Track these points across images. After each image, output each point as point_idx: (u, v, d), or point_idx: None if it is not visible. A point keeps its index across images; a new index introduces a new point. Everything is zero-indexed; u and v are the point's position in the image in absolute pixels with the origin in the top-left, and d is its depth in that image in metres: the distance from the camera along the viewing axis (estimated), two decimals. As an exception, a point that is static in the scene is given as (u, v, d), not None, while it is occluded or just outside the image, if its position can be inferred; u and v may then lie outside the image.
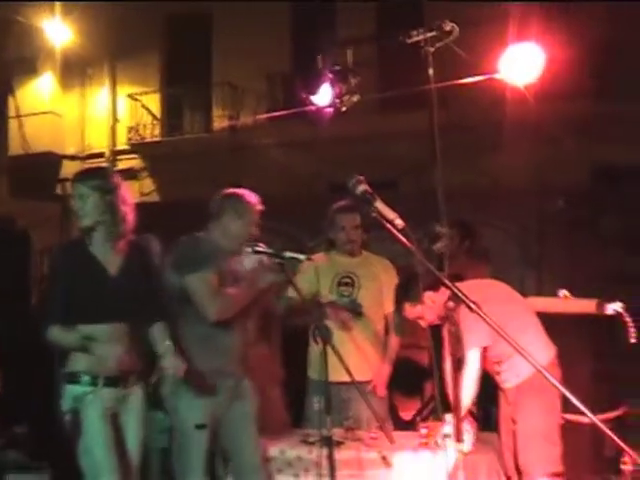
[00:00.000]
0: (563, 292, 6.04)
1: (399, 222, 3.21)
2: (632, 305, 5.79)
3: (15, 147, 17.42)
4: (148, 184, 16.86)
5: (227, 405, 4.76)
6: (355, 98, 5.86)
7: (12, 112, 17.62)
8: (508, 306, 4.93)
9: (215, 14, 16.69)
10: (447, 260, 4.52)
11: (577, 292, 6.05)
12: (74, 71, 17.55)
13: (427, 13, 12.07)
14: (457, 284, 3.39)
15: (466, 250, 6.14)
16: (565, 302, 6.01)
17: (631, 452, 3.46)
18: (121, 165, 17.12)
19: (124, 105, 17.64)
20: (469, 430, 5.17)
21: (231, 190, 4.91)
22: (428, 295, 4.80)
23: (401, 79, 7.05)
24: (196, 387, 4.52)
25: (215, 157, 15.13)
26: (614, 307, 5.70)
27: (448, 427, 4.42)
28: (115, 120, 17.78)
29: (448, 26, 4.96)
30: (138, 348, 4.36)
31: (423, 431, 5.01)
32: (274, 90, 15.51)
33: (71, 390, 4.22)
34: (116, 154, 17.61)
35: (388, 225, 3.21)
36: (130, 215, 4.32)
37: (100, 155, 17.40)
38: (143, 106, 17.33)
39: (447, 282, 3.19)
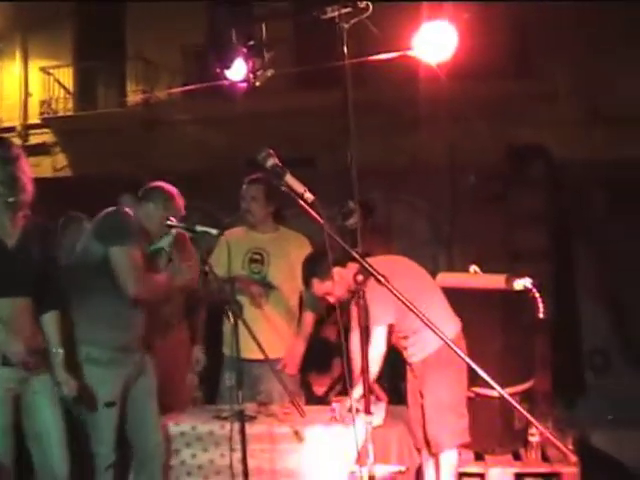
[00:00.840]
0: (473, 268, 6.14)
1: (309, 196, 3.20)
2: (539, 281, 5.92)
3: None
4: (61, 159, 16.59)
5: (134, 380, 4.74)
6: (269, 73, 5.85)
7: None
8: (414, 281, 4.98)
9: (129, -13, 16.45)
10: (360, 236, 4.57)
11: (487, 268, 6.16)
12: (-16, 45, 17.15)
13: (343, -10, 12.03)
14: (365, 259, 3.40)
15: (369, 228, 6.17)
16: (475, 278, 6.11)
17: (538, 424, 3.54)
18: (33, 140, 16.82)
19: (36, 79, 17.29)
20: (379, 405, 5.24)
21: (163, 184, 4.86)
22: (337, 271, 4.79)
23: (317, 56, 7.04)
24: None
25: (129, 132, 14.96)
26: (523, 283, 5.81)
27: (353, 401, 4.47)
28: (27, 94, 17.42)
29: (363, 3, 4.97)
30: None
31: (334, 405, 5.04)
32: (189, 65, 15.36)
33: None
34: (28, 128, 17.27)
35: (298, 199, 3.21)
36: (29, 186, 4.21)
37: (11, 129, 17.02)
38: (56, 80, 17.02)
39: (356, 256, 3.21)
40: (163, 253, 4.82)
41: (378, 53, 6.35)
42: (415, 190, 7.15)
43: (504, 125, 6.84)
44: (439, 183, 7.11)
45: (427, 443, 5.10)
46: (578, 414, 6.71)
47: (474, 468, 5.59)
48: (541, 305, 5.92)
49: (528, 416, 3.30)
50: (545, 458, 5.61)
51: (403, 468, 4.92)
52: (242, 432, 4.14)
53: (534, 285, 5.89)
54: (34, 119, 17.26)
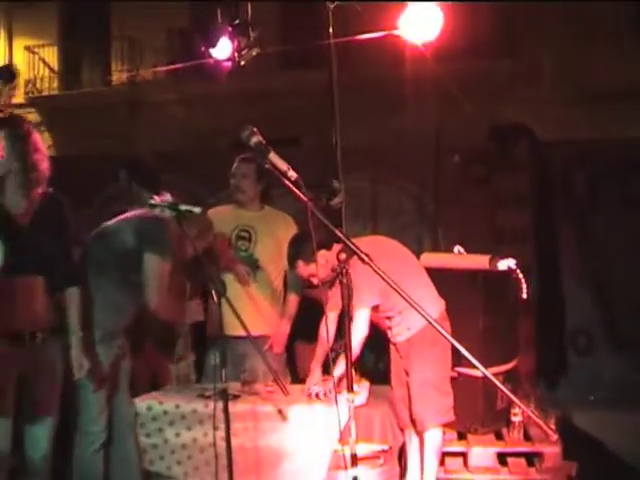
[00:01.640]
0: (458, 248, 6.16)
1: (292, 174, 3.20)
2: (523, 262, 5.95)
3: None
4: (45, 138, 16.49)
5: (117, 361, 4.79)
6: (254, 52, 5.83)
7: None
8: (399, 262, 4.98)
9: (114, -33, 16.32)
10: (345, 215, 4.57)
11: (471, 249, 6.17)
12: (-31, 23, 17.02)
13: (329, -30, 11.98)
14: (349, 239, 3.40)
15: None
16: (459, 258, 6.13)
17: (521, 404, 3.56)
18: (17, 119, 16.69)
19: (21, 58, 17.17)
20: (363, 384, 5.26)
21: None
22: (322, 254, 4.80)
23: (302, 35, 7.03)
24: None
25: (114, 112, 14.89)
26: (506, 263, 5.84)
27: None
28: (11, 73, 17.28)
29: (348, -17, 4.95)
30: (51, 303, 4.24)
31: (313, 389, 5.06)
32: (173, 45, 15.28)
33: None
34: (10, 107, 17.14)
35: (282, 177, 3.20)
36: (43, 164, 4.20)
37: (-7, 109, 16.91)
38: (40, 59, 16.92)
39: (340, 235, 3.21)
40: None
41: (363, 33, 6.33)
42: (400, 170, 7.15)
43: (489, 105, 6.83)
44: (424, 164, 7.11)
45: (412, 422, 5.12)
46: (560, 394, 6.75)
47: (456, 447, 5.63)
48: (524, 286, 5.96)
49: (511, 396, 3.33)
50: (527, 438, 5.65)
51: (386, 447, 4.95)
52: (225, 411, 4.15)
53: (518, 266, 5.92)
54: (19, 98, 17.16)
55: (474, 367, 3.11)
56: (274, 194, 6.04)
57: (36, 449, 4.27)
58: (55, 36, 17.18)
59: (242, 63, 5.92)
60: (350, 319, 3.57)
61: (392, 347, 5.21)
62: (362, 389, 5.17)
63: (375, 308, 4.93)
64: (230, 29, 5.90)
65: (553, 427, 5.52)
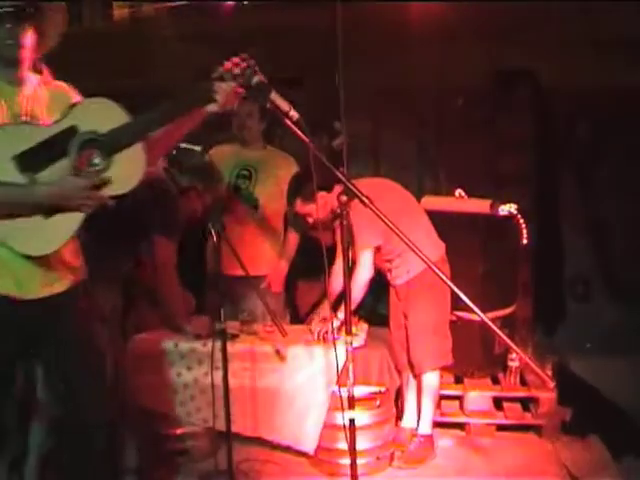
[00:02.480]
0: (459, 191, 6.13)
1: (294, 114, 3.15)
2: (522, 207, 5.92)
3: None
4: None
5: None
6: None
7: None
8: (399, 204, 4.96)
9: None
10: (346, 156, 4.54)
11: (472, 192, 6.14)
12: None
13: None
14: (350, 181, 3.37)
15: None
16: (460, 202, 6.10)
17: (517, 349, 3.56)
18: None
19: (19, -9, 16.93)
20: (361, 326, 5.27)
21: None
22: (321, 195, 4.78)
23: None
24: None
25: (115, 48, 14.70)
26: (507, 208, 5.81)
27: (336, 321, 4.50)
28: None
29: None
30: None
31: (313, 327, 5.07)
32: (175, -20, 15.03)
33: None
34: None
35: (283, 117, 3.16)
36: None
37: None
38: (40, -6, 16.68)
39: (341, 176, 3.18)
40: None
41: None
42: (402, 112, 7.07)
43: (494, 48, 6.73)
44: (427, 105, 7.04)
45: (410, 365, 5.14)
46: (557, 341, 6.76)
47: (453, 391, 5.67)
48: (525, 231, 5.93)
49: (508, 341, 3.32)
50: (523, 383, 5.68)
51: (383, 389, 4.97)
52: (223, 350, 4.16)
53: (519, 211, 5.89)
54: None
55: (472, 311, 3.10)
56: (277, 133, 6.00)
57: None
58: (55, -29, 16.93)
59: (245, 2, 5.84)
60: (348, 261, 3.55)
61: (391, 290, 5.21)
62: (360, 331, 5.18)
63: (377, 250, 4.92)
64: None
65: (549, 373, 5.56)
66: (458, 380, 5.80)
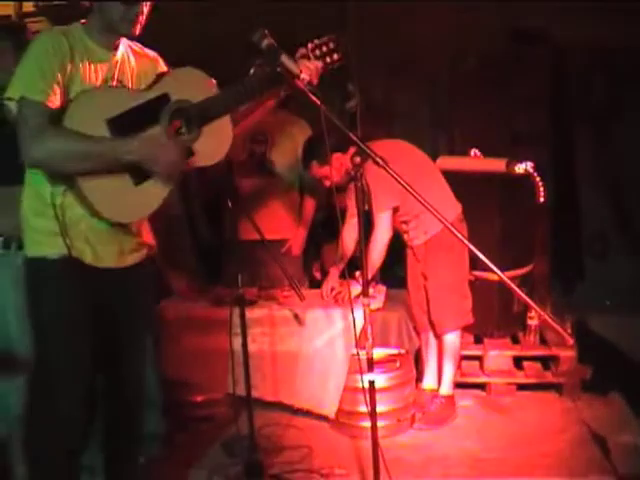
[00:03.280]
0: (474, 151, 6.09)
1: (305, 76, 3.12)
2: (539, 165, 5.88)
3: None
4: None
5: None
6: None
7: None
8: (414, 164, 4.92)
9: None
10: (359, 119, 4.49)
11: (487, 151, 6.10)
12: None
13: None
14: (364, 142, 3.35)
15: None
16: (476, 161, 6.07)
17: (537, 307, 3.54)
18: (29, 28, 16.49)
19: (30, -37, 16.86)
20: (379, 288, 5.27)
21: None
22: (336, 157, 4.78)
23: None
24: None
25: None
26: (523, 167, 5.78)
27: (356, 285, 4.48)
28: (20, -19, 17.01)
29: None
30: None
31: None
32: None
33: None
34: (23, 17, 16.91)
35: (294, 80, 3.13)
36: None
37: (6, 17, 16.67)
38: (51, -35, 16.61)
39: (354, 138, 3.15)
40: None
41: None
42: (415, 73, 7.02)
43: (507, 7, 6.64)
44: (440, 66, 6.98)
45: (431, 325, 5.14)
46: (576, 299, 6.75)
47: (473, 351, 5.67)
48: (541, 189, 5.90)
49: (527, 299, 3.29)
50: (543, 341, 5.68)
51: (402, 351, 4.98)
52: (242, 316, 4.16)
53: (534, 169, 5.85)
54: (28, 7, 16.90)
55: (490, 271, 3.08)
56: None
57: None
58: (65, -59, 16.85)
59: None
60: (362, 222, 3.53)
61: (409, 251, 5.19)
62: (378, 293, 5.18)
63: (394, 211, 4.90)
64: None
65: (569, 331, 5.55)
66: (478, 340, 5.80)
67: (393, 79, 7.05)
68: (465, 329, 5.26)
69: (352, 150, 4.32)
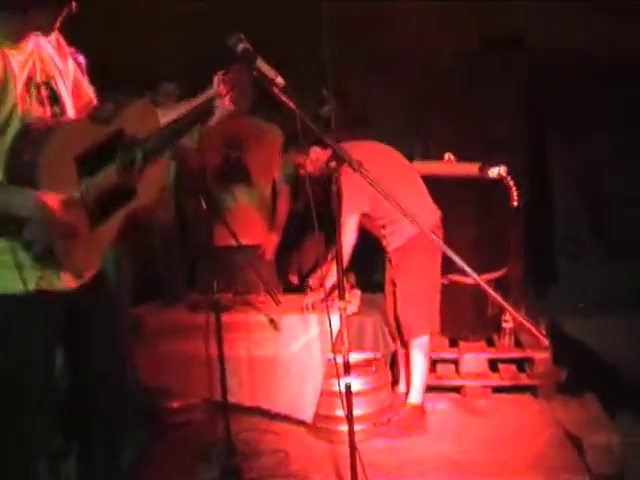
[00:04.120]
0: (448, 155, 6.11)
1: (280, 80, 3.11)
2: (513, 169, 5.90)
3: None
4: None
5: None
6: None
7: None
8: (392, 168, 4.92)
9: None
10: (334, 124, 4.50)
11: (462, 157, 6.12)
12: None
13: None
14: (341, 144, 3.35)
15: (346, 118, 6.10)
16: (449, 165, 6.09)
17: (511, 310, 3.56)
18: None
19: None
20: (355, 292, 5.27)
21: None
22: (314, 150, 4.81)
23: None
24: None
25: (125, 15, 14.54)
26: (497, 170, 5.80)
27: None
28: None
29: None
30: None
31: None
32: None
33: None
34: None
35: (269, 85, 3.12)
36: None
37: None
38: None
39: (330, 142, 3.15)
40: None
41: None
42: (390, 77, 7.03)
43: (483, 10, 6.66)
44: (414, 70, 6.99)
45: (399, 331, 5.14)
46: (550, 302, 6.78)
47: (448, 354, 5.68)
48: (515, 193, 5.92)
49: (501, 301, 3.31)
50: (518, 344, 5.71)
51: (378, 355, 4.99)
52: (217, 321, 4.15)
53: (508, 173, 5.87)
54: None
55: (464, 274, 3.09)
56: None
57: None
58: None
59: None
60: (340, 227, 3.54)
61: (386, 256, 5.19)
62: (354, 298, 5.19)
63: (367, 215, 4.90)
64: None
65: (544, 333, 5.58)
66: (453, 343, 5.81)
67: (368, 83, 7.06)
68: (440, 332, 5.27)
69: (329, 152, 4.33)
